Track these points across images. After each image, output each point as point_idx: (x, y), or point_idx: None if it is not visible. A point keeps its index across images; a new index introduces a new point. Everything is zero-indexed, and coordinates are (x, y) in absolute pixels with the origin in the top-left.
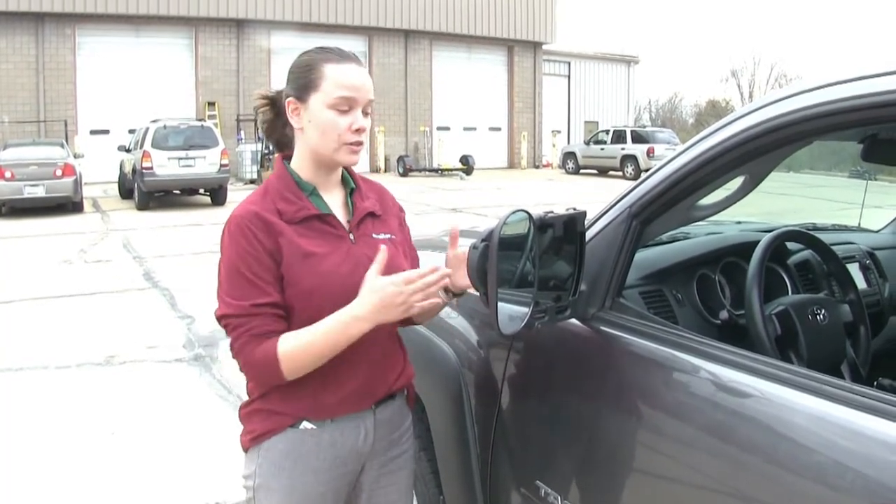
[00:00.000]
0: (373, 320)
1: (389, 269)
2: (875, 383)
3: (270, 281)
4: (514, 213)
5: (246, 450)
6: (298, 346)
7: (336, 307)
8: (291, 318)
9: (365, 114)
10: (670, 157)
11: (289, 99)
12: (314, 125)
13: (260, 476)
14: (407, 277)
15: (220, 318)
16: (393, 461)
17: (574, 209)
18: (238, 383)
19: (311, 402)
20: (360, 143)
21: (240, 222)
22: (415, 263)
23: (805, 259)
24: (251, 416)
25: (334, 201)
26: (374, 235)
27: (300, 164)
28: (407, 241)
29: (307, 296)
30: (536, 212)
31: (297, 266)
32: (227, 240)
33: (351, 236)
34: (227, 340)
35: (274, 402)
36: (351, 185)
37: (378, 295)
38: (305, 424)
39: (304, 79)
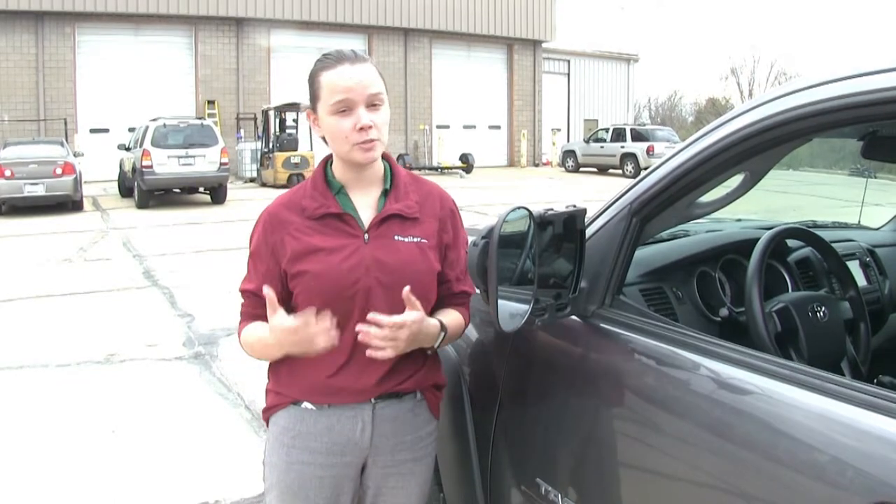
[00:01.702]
0: (280, 348)
1: (402, 273)
2: (875, 380)
3: (263, 272)
4: (514, 210)
5: (267, 425)
6: (252, 339)
7: (331, 301)
8: (300, 309)
9: (373, 107)
10: (670, 154)
11: (307, 111)
12: (326, 132)
13: (267, 452)
14: (292, 327)
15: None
16: (403, 464)
17: (574, 206)
18: (238, 381)
19: (310, 386)
20: (369, 141)
21: (261, 217)
22: (454, 267)
23: (805, 256)
24: (267, 392)
25: (365, 200)
26: (398, 238)
27: (335, 164)
28: (444, 245)
29: (308, 288)
30: (536, 209)
31: (300, 259)
32: (253, 230)
33: (365, 236)
34: (227, 339)
35: (281, 382)
36: (386, 184)
37: (276, 329)
38: (306, 404)
39: (310, 91)
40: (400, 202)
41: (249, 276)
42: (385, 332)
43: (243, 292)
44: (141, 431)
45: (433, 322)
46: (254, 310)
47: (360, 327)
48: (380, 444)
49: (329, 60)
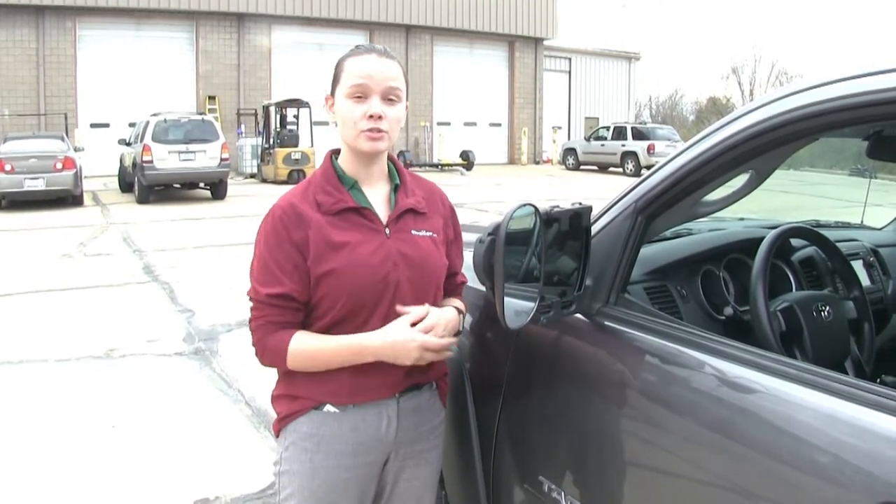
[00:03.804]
0: (382, 357)
1: (425, 267)
2: (879, 380)
3: (290, 271)
4: (520, 207)
5: (277, 435)
6: (308, 350)
7: (365, 296)
8: (323, 308)
9: (389, 101)
10: (676, 153)
11: (326, 96)
12: (338, 116)
13: (285, 460)
14: (427, 343)
15: (248, 296)
16: (420, 455)
17: (580, 204)
18: (238, 378)
19: (333, 387)
20: (377, 131)
21: (274, 214)
22: (457, 262)
23: (809, 256)
24: (279, 399)
25: (377, 195)
26: (414, 232)
27: (343, 157)
28: (449, 240)
29: (337, 283)
30: (543, 206)
31: (326, 255)
32: (262, 229)
33: (387, 230)
34: (228, 335)
35: (298, 386)
36: (395, 180)
37: (398, 337)
38: (328, 407)
39: (333, 75)
40: (410, 198)
41: (274, 278)
42: (441, 329)
43: (271, 296)
44: (141, 427)
45: (450, 308)
46: (282, 317)
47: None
48: (403, 438)
49: (358, 50)
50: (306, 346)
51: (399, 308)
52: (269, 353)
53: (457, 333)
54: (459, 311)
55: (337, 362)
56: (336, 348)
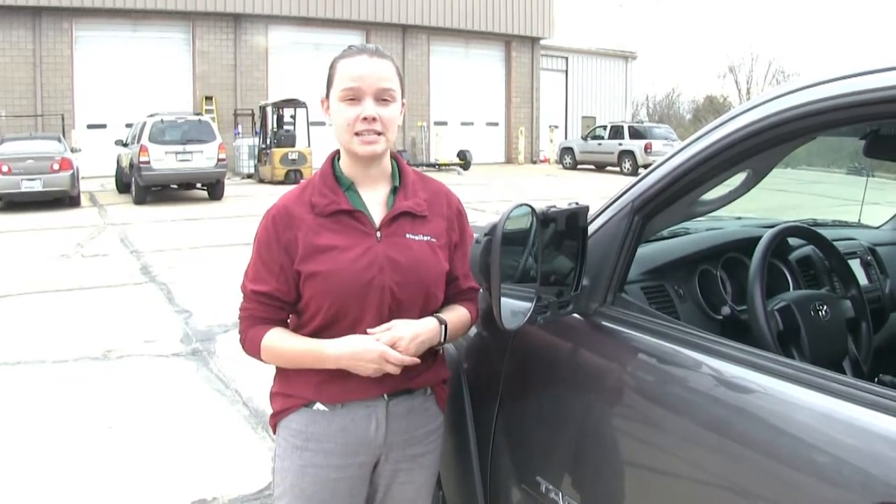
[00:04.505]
0: (342, 364)
1: (415, 272)
2: (876, 379)
3: (276, 272)
4: (516, 207)
5: (274, 431)
6: (278, 348)
7: (349, 300)
8: (311, 311)
9: (382, 102)
10: (673, 152)
11: (322, 98)
12: (333, 119)
13: (279, 457)
14: (388, 356)
15: (241, 288)
16: (414, 459)
17: (576, 203)
18: (235, 378)
19: (321, 387)
20: (371, 133)
21: (269, 215)
22: (463, 265)
23: (807, 255)
24: (275, 396)
25: (375, 198)
26: (409, 236)
27: (342, 159)
28: (452, 244)
29: (322, 286)
30: (539, 206)
31: (312, 257)
32: (258, 228)
33: (377, 234)
34: (225, 335)
35: (290, 385)
36: (396, 182)
37: (357, 347)
38: (318, 406)
39: (327, 78)
40: (409, 200)
41: (260, 276)
42: (404, 343)
43: (255, 293)
44: (138, 428)
45: (429, 319)
46: (264, 313)
47: (390, 361)
48: (393, 441)
49: (350, 51)
50: (275, 344)
51: (369, 331)
52: (248, 343)
53: (438, 344)
54: (442, 322)
55: (304, 363)
56: (300, 351)
